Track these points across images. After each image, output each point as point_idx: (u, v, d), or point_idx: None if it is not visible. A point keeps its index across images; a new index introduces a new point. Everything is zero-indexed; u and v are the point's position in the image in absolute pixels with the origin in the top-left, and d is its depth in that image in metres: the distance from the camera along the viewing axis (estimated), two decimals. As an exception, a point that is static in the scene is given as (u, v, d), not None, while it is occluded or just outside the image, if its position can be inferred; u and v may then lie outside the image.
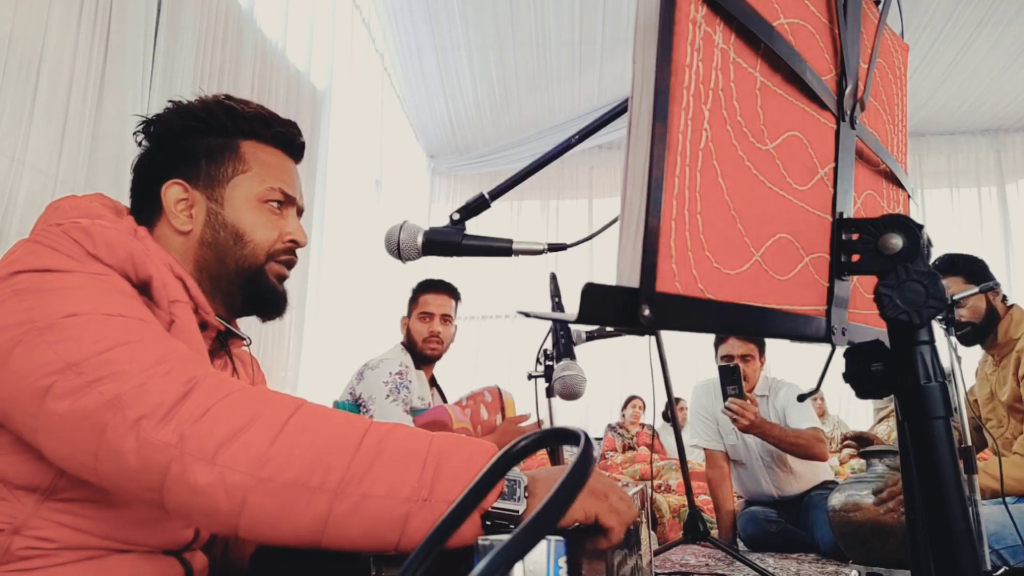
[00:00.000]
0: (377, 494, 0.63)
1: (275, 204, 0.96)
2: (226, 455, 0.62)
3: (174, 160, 0.93)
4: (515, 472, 0.67)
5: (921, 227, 0.51)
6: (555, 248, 0.82)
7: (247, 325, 1.04)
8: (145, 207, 0.94)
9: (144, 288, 0.80)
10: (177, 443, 0.63)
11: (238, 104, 0.96)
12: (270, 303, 0.97)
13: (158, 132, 0.95)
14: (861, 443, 2.56)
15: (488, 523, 0.64)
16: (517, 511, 0.64)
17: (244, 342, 1.02)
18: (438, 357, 2.62)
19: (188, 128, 0.94)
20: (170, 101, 0.97)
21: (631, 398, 5.63)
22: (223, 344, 0.98)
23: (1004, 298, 2.27)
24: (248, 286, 0.94)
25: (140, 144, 0.97)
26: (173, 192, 0.92)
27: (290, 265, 0.99)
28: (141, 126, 0.96)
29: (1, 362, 0.68)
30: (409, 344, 2.60)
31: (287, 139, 0.99)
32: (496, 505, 0.64)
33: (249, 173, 0.94)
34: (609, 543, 0.67)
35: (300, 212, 1.01)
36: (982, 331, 2.26)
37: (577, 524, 0.66)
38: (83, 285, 0.73)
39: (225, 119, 0.94)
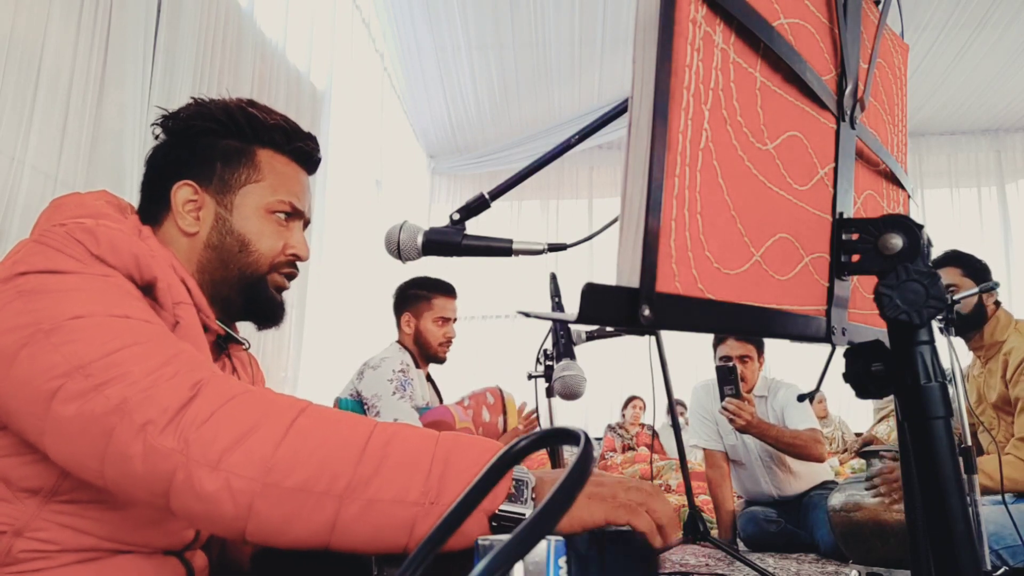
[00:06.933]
0: (384, 498, 0.62)
1: (282, 216, 0.96)
2: (230, 461, 0.62)
3: (188, 159, 0.93)
4: (523, 472, 0.66)
5: (921, 227, 0.50)
6: (555, 248, 0.82)
7: (246, 326, 1.04)
8: (153, 203, 0.93)
9: (148, 289, 0.80)
10: (182, 449, 0.62)
11: (260, 112, 0.95)
12: (267, 312, 0.97)
13: (176, 128, 0.95)
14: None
15: (495, 525, 0.63)
16: (524, 514, 0.63)
17: (243, 346, 1.02)
18: (445, 360, 2.63)
19: (206, 129, 0.93)
20: (192, 98, 0.96)
21: (631, 398, 5.64)
22: (222, 347, 0.98)
23: (997, 302, 2.28)
24: (248, 293, 0.94)
25: (156, 137, 0.96)
26: (183, 193, 0.92)
27: (291, 277, 0.99)
28: (160, 119, 0.95)
29: (7, 364, 0.68)
30: (418, 344, 2.58)
31: (305, 153, 0.99)
32: (503, 508, 0.63)
33: (262, 183, 0.94)
34: (655, 536, 0.62)
35: (307, 224, 1.01)
36: (967, 324, 2.27)
37: (613, 528, 0.63)
38: (88, 286, 0.72)
39: (245, 125, 0.94)
